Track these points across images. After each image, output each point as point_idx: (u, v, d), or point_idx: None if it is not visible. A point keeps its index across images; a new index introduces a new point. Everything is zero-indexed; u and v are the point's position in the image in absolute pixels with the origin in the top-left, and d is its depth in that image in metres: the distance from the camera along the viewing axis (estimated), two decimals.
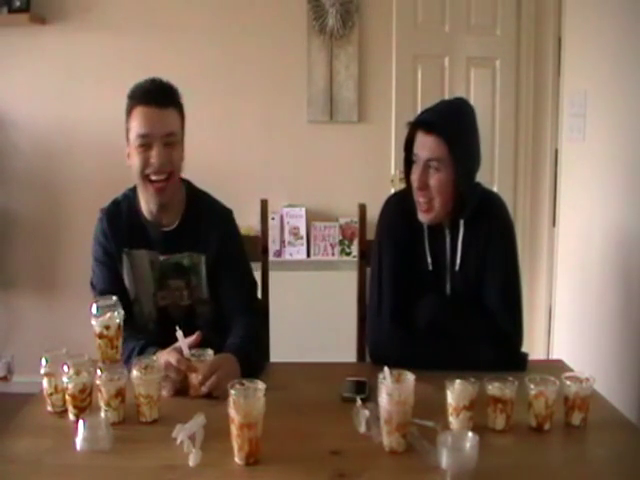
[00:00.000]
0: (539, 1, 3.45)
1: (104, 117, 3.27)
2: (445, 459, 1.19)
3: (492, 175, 3.44)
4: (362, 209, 2.14)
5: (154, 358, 1.57)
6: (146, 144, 1.76)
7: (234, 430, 1.28)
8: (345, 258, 3.51)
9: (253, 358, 1.70)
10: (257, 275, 2.04)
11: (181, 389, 1.58)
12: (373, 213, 2.02)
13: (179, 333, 1.59)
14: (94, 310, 1.52)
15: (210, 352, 1.61)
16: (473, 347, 1.73)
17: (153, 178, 1.78)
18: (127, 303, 1.77)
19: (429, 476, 1.22)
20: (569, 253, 2.97)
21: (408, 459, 1.30)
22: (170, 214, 1.86)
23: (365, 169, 3.55)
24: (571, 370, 1.64)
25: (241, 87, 3.52)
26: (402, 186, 1.93)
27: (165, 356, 1.58)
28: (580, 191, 2.83)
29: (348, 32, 3.47)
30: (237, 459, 1.29)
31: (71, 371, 1.45)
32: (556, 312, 3.18)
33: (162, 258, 1.86)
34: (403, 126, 1.83)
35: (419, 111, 1.88)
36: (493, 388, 1.42)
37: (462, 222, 1.82)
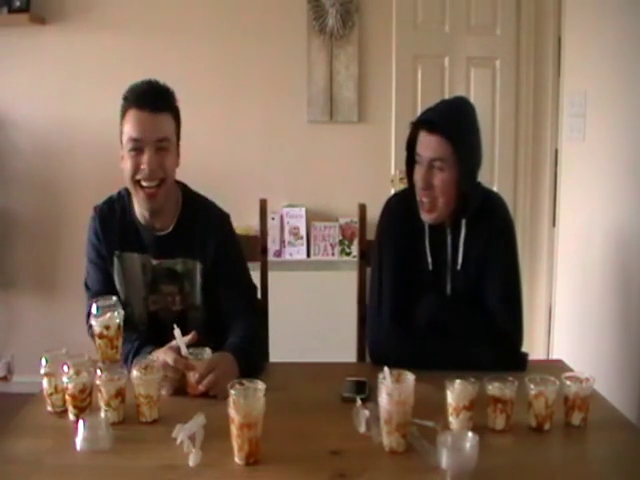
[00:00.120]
0: (539, 1, 3.45)
1: (104, 117, 3.22)
2: (445, 459, 1.19)
3: (492, 175, 3.44)
4: (362, 209, 2.13)
5: (154, 358, 1.57)
6: (138, 148, 1.71)
7: (234, 430, 1.28)
8: (345, 258, 3.51)
9: (252, 358, 1.69)
10: (256, 275, 2.04)
11: (180, 388, 1.58)
12: (373, 213, 2.02)
13: (177, 331, 1.58)
14: (94, 310, 1.52)
15: (208, 351, 1.61)
16: (473, 347, 1.73)
17: (144, 184, 1.73)
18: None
19: (429, 476, 1.22)
20: (569, 253, 2.97)
21: (408, 459, 1.30)
22: (164, 218, 1.82)
23: (365, 169, 3.54)
24: (571, 370, 1.64)
25: (241, 87, 3.52)
26: (402, 186, 1.93)
27: (162, 356, 1.58)
28: (580, 191, 2.83)
29: (348, 32, 3.47)
30: (237, 459, 1.29)
31: (71, 371, 1.45)
32: (556, 312, 3.18)
33: (155, 262, 1.83)
34: (403, 126, 1.83)
35: (419, 111, 1.88)
36: (493, 388, 1.42)
37: (464, 222, 1.82)
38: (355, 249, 3.32)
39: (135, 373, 1.45)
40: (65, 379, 1.44)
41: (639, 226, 2.30)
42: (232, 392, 1.28)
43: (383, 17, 3.43)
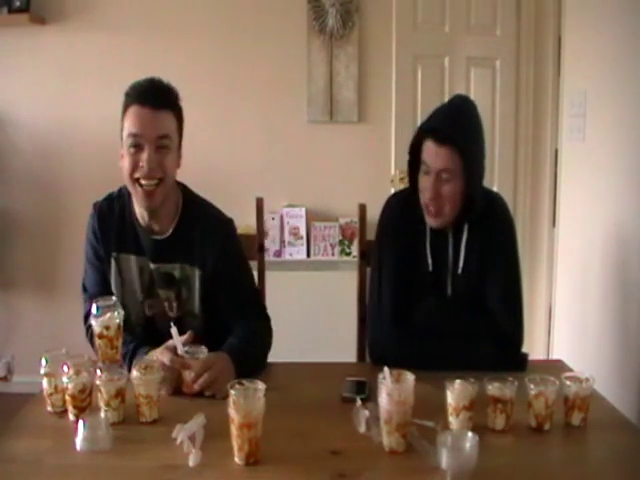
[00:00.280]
0: (539, 1, 3.45)
1: (104, 117, 3.24)
2: (445, 459, 1.19)
3: (492, 175, 3.43)
4: (362, 209, 2.13)
5: (153, 358, 1.57)
6: (137, 145, 1.68)
7: (234, 430, 1.27)
8: (345, 258, 3.51)
9: (249, 358, 1.67)
10: (254, 273, 2.03)
11: (178, 387, 1.58)
12: (373, 213, 2.02)
13: (174, 330, 1.58)
14: (94, 310, 1.52)
15: (204, 350, 1.60)
16: (473, 347, 1.73)
17: (142, 182, 1.69)
18: None
19: (429, 476, 1.22)
20: (569, 253, 2.97)
21: (408, 459, 1.30)
22: (163, 221, 1.78)
23: (365, 169, 3.54)
24: (571, 370, 1.64)
25: (241, 87, 3.52)
26: (402, 186, 1.93)
27: (159, 356, 1.58)
28: (580, 191, 2.83)
29: (348, 32, 3.47)
30: (237, 459, 1.29)
31: (71, 371, 1.45)
32: (556, 312, 3.18)
33: (153, 266, 1.79)
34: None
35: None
36: (493, 388, 1.41)
37: (467, 225, 1.81)
38: (355, 249, 3.32)
39: (135, 373, 1.45)
40: (65, 379, 1.44)
41: (639, 226, 2.30)
42: (232, 392, 1.28)
43: (383, 17, 3.43)
